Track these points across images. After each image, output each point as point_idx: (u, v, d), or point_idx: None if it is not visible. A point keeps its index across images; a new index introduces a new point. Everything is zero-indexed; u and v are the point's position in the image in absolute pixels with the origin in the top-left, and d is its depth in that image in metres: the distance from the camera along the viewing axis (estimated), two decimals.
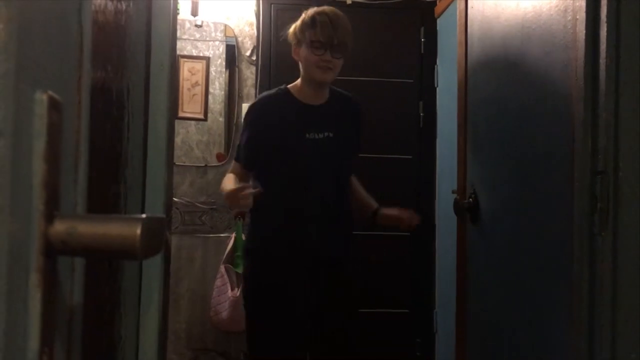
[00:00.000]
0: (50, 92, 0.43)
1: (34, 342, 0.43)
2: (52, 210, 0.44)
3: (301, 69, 2.14)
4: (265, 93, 2.27)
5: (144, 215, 0.45)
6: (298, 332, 2.08)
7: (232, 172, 2.17)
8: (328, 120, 2.10)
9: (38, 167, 0.43)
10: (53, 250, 0.44)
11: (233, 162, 2.23)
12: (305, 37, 2.07)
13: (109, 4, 0.75)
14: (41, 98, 0.43)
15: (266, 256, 2.11)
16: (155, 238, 0.48)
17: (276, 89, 2.22)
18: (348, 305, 2.19)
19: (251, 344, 2.15)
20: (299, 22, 2.12)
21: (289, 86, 2.17)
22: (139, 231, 0.44)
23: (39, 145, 0.43)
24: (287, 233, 2.08)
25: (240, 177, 2.12)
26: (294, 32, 2.13)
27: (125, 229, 0.44)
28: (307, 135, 2.06)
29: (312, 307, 2.11)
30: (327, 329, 2.14)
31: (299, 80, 2.17)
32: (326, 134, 2.08)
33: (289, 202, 2.07)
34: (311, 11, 2.10)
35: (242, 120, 2.25)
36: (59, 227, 0.44)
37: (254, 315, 2.14)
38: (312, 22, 2.07)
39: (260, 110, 2.15)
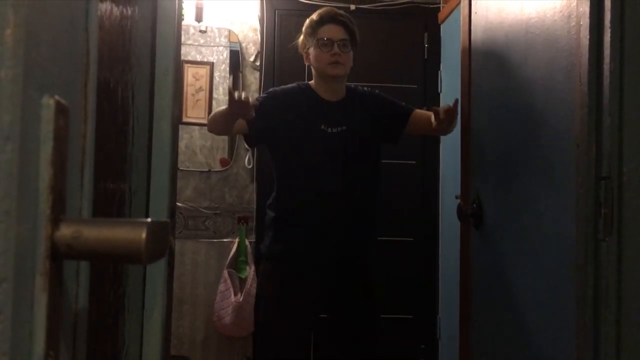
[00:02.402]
0: (57, 97, 0.44)
1: (39, 346, 0.43)
2: (58, 214, 0.44)
3: (313, 71, 2.21)
4: (290, 85, 2.29)
5: (149, 219, 0.46)
6: (307, 339, 2.11)
7: None
8: (343, 115, 2.14)
9: (45, 172, 0.43)
10: (59, 254, 0.44)
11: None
12: (312, 38, 2.15)
13: (115, 9, 0.75)
14: (48, 103, 0.43)
15: (280, 257, 2.13)
16: (160, 242, 0.48)
17: (295, 83, 2.27)
18: (369, 313, 2.19)
19: (260, 349, 2.17)
20: (304, 28, 2.19)
21: (309, 82, 2.24)
22: (144, 235, 0.44)
23: (46, 149, 0.43)
24: (301, 230, 2.10)
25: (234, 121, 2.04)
26: (303, 40, 2.21)
27: (131, 233, 0.44)
28: (322, 127, 2.10)
29: (327, 311, 2.13)
30: (343, 335, 2.14)
31: (313, 80, 2.23)
32: (340, 128, 2.12)
33: (303, 194, 2.10)
34: (314, 14, 2.18)
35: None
36: (65, 231, 0.44)
37: (266, 321, 2.14)
38: (317, 22, 2.15)
39: (280, 93, 2.20)
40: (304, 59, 2.23)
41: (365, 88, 2.31)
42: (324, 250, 2.09)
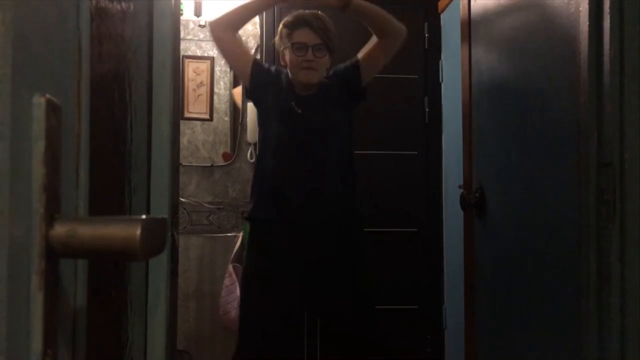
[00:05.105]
0: (48, 96, 0.44)
1: (36, 345, 0.43)
2: (52, 213, 0.44)
3: (289, 73, 2.21)
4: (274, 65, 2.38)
5: (143, 216, 0.46)
6: (289, 326, 2.11)
7: None
8: (316, 107, 2.15)
9: (37, 171, 0.43)
10: (54, 253, 0.44)
11: None
12: (287, 41, 2.15)
13: (108, 6, 0.75)
14: (39, 102, 0.43)
15: (261, 232, 2.15)
16: (157, 238, 0.48)
17: (282, 69, 2.30)
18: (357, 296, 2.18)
19: (242, 338, 2.15)
20: (279, 30, 2.20)
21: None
22: (138, 232, 0.44)
23: (38, 148, 0.43)
24: (280, 207, 2.11)
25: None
26: (279, 39, 2.21)
27: (126, 230, 0.44)
28: (294, 109, 2.12)
29: (309, 297, 2.13)
30: (330, 322, 2.14)
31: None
32: (313, 112, 2.13)
33: (283, 169, 2.12)
34: (290, 16, 2.18)
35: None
36: (60, 229, 0.44)
37: (247, 305, 2.15)
38: (292, 25, 2.14)
39: (270, 69, 2.27)
40: (280, 58, 2.23)
41: (336, 67, 2.29)
42: (300, 239, 2.09)
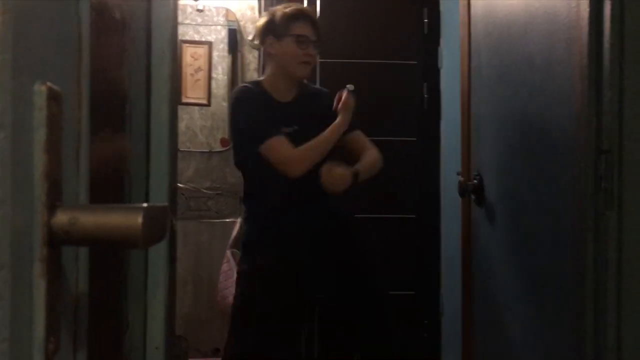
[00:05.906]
0: (49, 83, 0.44)
1: (39, 332, 0.43)
2: (54, 200, 0.44)
3: (276, 63, 2.10)
4: (242, 86, 2.26)
5: (145, 204, 0.46)
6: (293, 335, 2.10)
7: (280, 147, 2.01)
8: (295, 115, 2.09)
9: (39, 159, 0.43)
10: (56, 241, 0.44)
11: (272, 141, 2.01)
12: (288, 30, 2.05)
13: None
14: (40, 89, 0.43)
15: (260, 251, 2.11)
16: (158, 226, 0.49)
17: (249, 82, 2.23)
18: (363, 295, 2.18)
19: (238, 344, 2.08)
20: (279, 16, 2.07)
21: (261, 80, 2.16)
22: (140, 220, 0.44)
23: (40, 136, 0.43)
24: (274, 225, 2.09)
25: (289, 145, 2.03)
26: (272, 25, 2.08)
27: (127, 218, 0.44)
28: (282, 129, 2.04)
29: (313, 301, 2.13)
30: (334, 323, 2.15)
31: (270, 75, 2.13)
32: (293, 127, 2.06)
33: (272, 191, 2.08)
34: (290, 8, 2.09)
35: (233, 106, 2.17)
36: (62, 217, 0.44)
37: (247, 315, 2.08)
38: (297, 16, 2.06)
39: (246, 94, 2.11)
40: (267, 46, 2.10)
41: (321, 88, 2.28)
42: (298, 253, 2.07)
